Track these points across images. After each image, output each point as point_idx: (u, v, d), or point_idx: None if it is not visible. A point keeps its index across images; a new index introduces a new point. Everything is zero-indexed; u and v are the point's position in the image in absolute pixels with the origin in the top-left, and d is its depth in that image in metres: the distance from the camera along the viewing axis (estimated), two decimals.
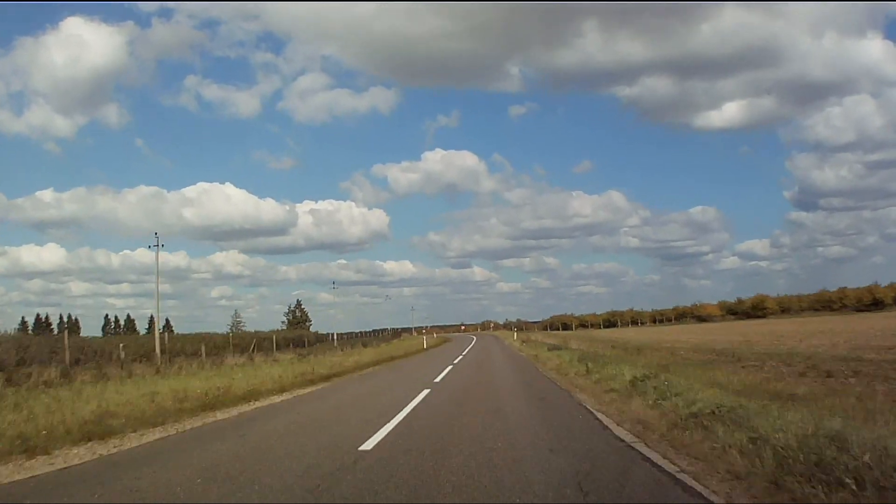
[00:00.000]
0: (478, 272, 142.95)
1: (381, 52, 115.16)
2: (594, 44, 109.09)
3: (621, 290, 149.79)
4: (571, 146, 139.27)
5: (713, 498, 4.95)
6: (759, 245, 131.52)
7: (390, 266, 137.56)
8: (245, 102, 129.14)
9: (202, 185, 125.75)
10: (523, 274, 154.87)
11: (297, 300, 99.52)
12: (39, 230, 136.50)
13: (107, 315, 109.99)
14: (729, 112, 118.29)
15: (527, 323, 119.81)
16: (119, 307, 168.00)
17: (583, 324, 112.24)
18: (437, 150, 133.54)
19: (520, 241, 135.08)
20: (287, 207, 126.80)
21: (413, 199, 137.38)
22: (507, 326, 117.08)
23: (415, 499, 5.30)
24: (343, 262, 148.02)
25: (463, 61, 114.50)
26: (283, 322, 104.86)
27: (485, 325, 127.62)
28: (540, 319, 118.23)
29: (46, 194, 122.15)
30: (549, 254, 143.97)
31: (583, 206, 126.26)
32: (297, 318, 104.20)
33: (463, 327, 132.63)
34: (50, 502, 5.77)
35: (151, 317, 67.93)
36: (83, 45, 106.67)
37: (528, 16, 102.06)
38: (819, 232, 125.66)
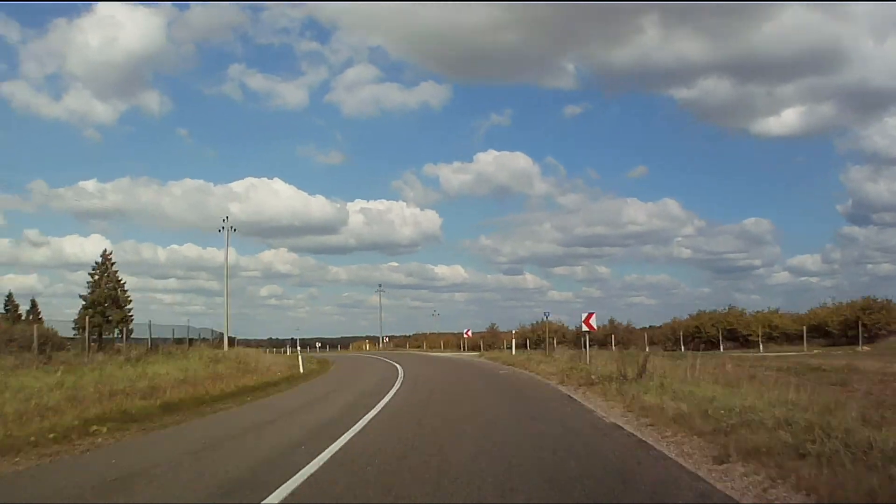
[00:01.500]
0: (529, 279, 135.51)
1: (429, 43, 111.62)
2: (652, 41, 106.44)
3: (671, 303, 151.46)
4: (626, 150, 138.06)
5: None
6: (809, 260, 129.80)
7: (441, 270, 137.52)
8: (291, 94, 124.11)
9: (250, 179, 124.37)
10: (575, 283, 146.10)
11: None
12: (83, 221, 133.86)
13: None
14: (787, 119, 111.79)
15: (624, 327, 61.50)
16: (167, 302, 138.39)
17: (771, 333, 52.12)
18: (490, 151, 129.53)
19: (572, 249, 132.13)
20: (338, 205, 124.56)
21: (465, 200, 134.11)
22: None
23: None
24: (394, 264, 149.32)
25: (516, 55, 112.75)
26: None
27: (537, 335, 67.19)
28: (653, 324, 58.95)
29: (89, 184, 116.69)
30: (602, 263, 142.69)
31: (637, 213, 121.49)
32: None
33: (468, 332, 71.11)
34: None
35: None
36: (118, 26, 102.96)
37: (586, 8, 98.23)
38: (870, 248, 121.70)
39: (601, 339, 69.91)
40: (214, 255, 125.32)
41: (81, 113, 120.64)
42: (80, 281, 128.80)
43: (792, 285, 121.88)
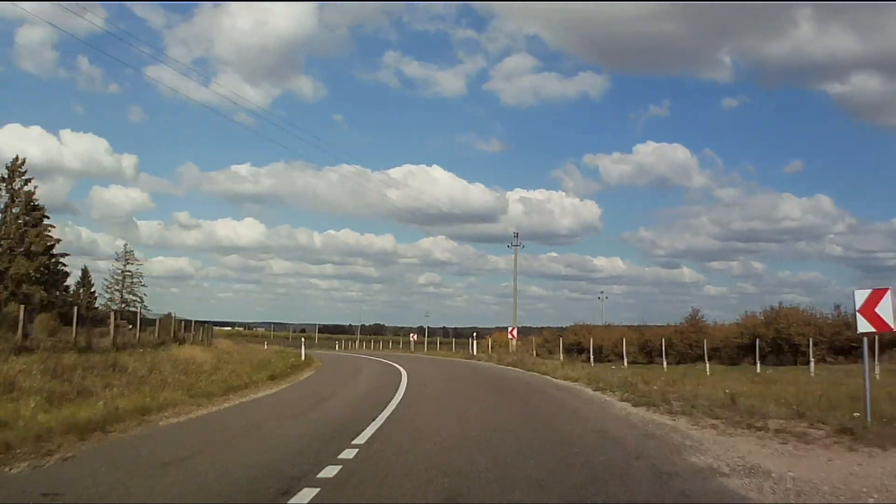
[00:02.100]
0: (686, 273, 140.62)
1: (587, 32, 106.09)
2: (806, 34, 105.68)
3: (822, 301, 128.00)
4: (782, 144, 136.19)
5: None
6: None
7: (600, 262, 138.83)
8: (449, 82, 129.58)
9: (408, 166, 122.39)
10: (730, 278, 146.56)
11: None
12: (235, 204, 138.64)
13: None
14: None
15: None
16: (322, 287, 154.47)
17: None
18: (649, 142, 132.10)
19: (729, 243, 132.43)
20: (497, 194, 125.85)
21: (624, 191, 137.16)
22: None
23: None
24: (554, 254, 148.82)
25: (673, 46, 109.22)
26: None
27: (775, 329, 40.10)
28: None
29: (242, 168, 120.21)
30: (757, 258, 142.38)
31: (792, 209, 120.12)
32: None
33: None
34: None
35: None
36: (267, 10, 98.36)
37: None
38: None
39: (889, 340, 42.64)
40: (372, 241, 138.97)
41: (232, 97, 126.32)
42: (234, 265, 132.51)
43: None
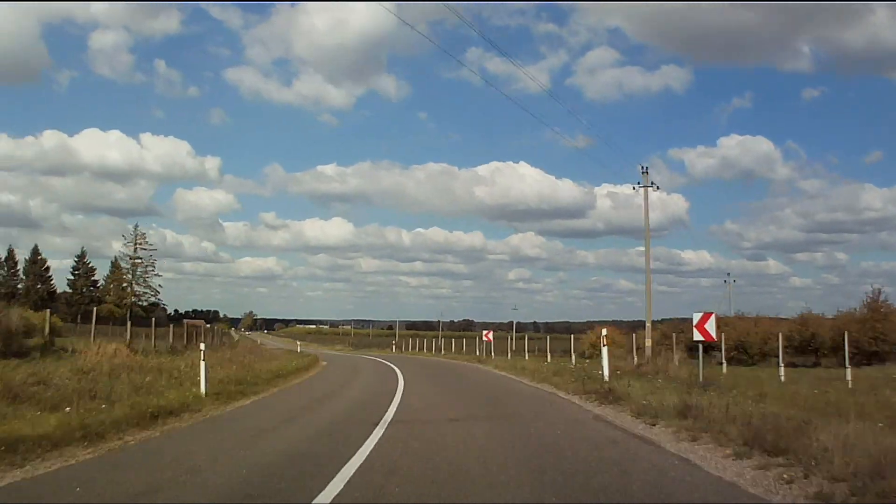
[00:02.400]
0: (772, 265, 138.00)
1: (668, 23, 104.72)
2: (881, 21, 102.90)
3: None
4: (862, 134, 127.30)
5: None
6: None
7: (688, 255, 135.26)
8: (532, 77, 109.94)
9: (495, 163, 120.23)
10: (815, 269, 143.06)
11: None
12: (323, 204, 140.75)
13: None
14: None
15: None
16: (413, 285, 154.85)
17: None
18: (733, 135, 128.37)
19: (812, 235, 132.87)
20: (585, 189, 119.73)
21: (710, 184, 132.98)
22: None
23: None
24: (641, 249, 78.65)
25: (753, 35, 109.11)
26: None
27: None
28: None
29: (328, 168, 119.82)
30: (840, 249, 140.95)
31: (873, 199, 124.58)
32: None
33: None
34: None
35: None
36: (346, 8, 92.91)
37: None
38: None
39: None
40: (461, 238, 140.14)
41: (314, 97, 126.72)
42: (322, 264, 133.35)
43: None
